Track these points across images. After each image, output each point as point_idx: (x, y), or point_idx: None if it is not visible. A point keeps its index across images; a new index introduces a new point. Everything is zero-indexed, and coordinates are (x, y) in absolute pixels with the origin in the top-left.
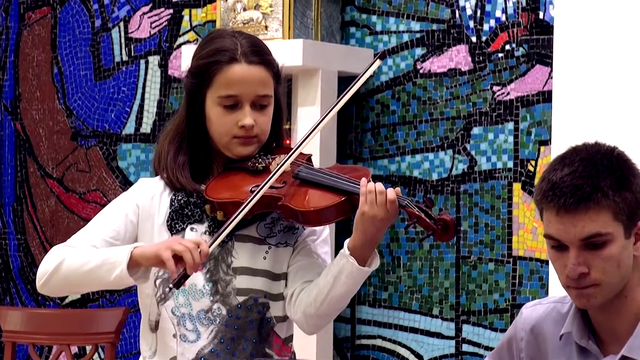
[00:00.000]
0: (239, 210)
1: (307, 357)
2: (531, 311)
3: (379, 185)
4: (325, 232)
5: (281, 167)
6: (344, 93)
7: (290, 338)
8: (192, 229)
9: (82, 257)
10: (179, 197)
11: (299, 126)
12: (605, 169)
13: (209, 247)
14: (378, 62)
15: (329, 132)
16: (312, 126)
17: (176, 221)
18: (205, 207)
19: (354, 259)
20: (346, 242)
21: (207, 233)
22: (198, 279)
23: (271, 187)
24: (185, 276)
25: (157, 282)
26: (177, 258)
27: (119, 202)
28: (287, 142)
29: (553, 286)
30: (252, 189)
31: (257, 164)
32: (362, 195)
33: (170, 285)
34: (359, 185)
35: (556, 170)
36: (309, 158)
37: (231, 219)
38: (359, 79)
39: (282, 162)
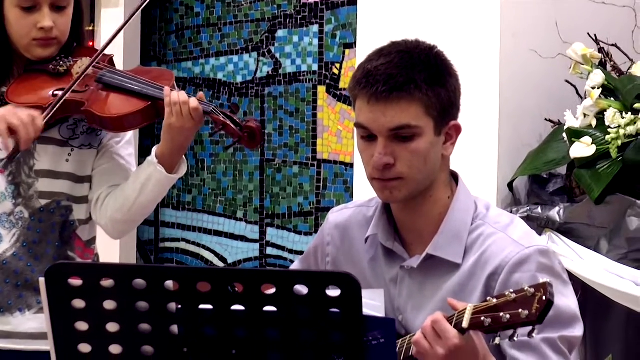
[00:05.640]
0: (67, 88)
1: (111, 260)
2: (337, 216)
3: (182, 95)
4: (128, 134)
5: (89, 67)
6: None
7: (92, 240)
8: None
9: None
10: None
11: (102, 27)
12: (421, 63)
13: (43, 120)
14: None
15: (132, 34)
16: (115, 29)
17: None
18: None
19: (162, 167)
20: (154, 149)
21: None
22: None
23: (74, 91)
24: (18, 151)
25: None
26: (11, 131)
27: None
28: (90, 44)
29: (358, 189)
30: (54, 93)
31: (58, 67)
32: (167, 106)
33: (5, 160)
34: (163, 90)
35: (372, 60)
36: (110, 59)
37: (59, 97)
38: None
39: (87, 65)
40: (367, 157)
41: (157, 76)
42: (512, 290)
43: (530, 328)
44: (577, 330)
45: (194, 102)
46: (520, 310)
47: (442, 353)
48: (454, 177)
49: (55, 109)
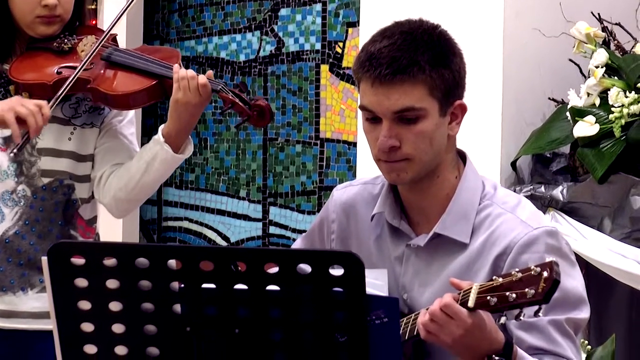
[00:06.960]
0: (76, 72)
1: (113, 239)
2: (342, 193)
3: (191, 71)
4: (130, 113)
5: (98, 47)
6: None
7: (94, 219)
8: None
9: None
10: None
11: (105, 6)
12: (424, 44)
13: (50, 108)
14: None
15: (135, 12)
16: (118, 8)
17: None
18: (10, 87)
19: (168, 146)
20: (160, 128)
21: None
22: (1, 160)
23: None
24: (28, 140)
25: None
26: (20, 120)
27: None
28: (93, 22)
29: (361, 168)
30: (59, 70)
31: (63, 45)
32: (175, 82)
33: (15, 151)
34: (171, 68)
35: (375, 42)
36: (114, 38)
37: (71, 79)
38: None
39: (95, 44)
40: (372, 139)
41: (164, 55)
42: (517, 270)
43: (536, 307)
44: (584, 313)
45: (202, 78)
46: (526, 290)
47: (460, 333)
48: (462, 156)
49: (62, 96)
